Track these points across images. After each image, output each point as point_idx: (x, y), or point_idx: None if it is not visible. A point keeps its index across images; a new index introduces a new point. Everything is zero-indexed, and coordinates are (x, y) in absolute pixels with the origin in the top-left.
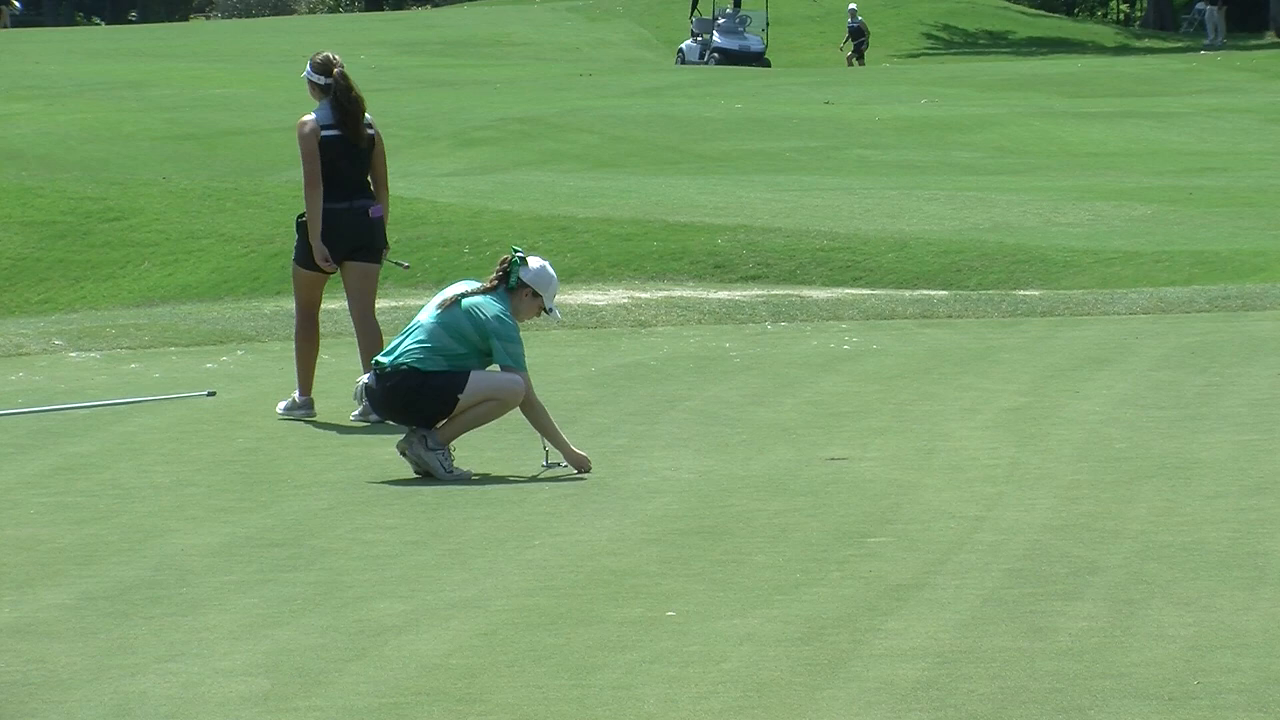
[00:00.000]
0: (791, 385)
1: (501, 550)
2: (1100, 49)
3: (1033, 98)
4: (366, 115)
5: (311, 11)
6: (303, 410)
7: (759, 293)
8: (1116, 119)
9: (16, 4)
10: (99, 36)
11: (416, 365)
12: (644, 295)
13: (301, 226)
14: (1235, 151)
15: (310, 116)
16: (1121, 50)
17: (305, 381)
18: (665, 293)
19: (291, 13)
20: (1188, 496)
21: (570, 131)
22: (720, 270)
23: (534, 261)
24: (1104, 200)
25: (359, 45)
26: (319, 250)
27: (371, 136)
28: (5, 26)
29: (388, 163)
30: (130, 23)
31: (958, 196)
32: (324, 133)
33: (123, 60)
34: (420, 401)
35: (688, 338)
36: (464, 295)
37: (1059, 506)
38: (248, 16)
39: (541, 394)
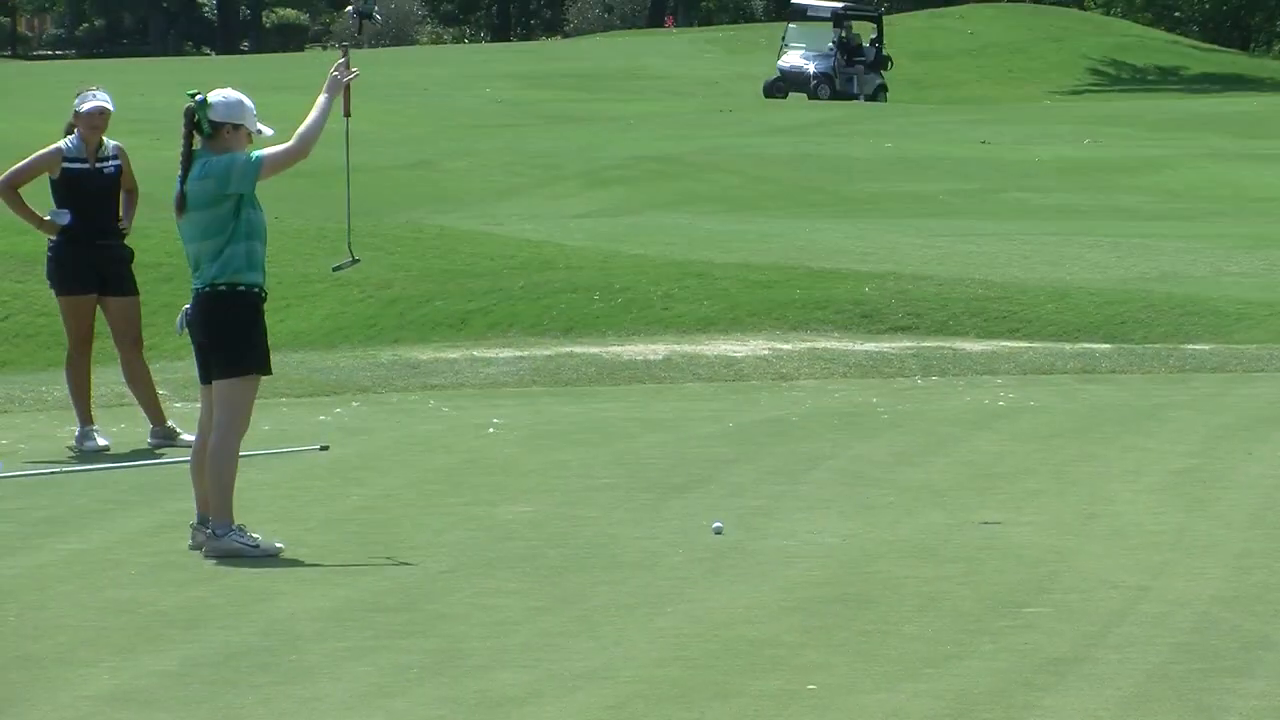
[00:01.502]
0: (943, 444)
1: (631, 618)
2: (1278, 86)
3: (1205, 138)
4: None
5: (434, 42)
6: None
7: (908, 344)
8: None
9: None
10: (209, 68)
11: (216, 281)
12: (785, 346)
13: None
14: None
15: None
16: None
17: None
18: (808, 344)
19: (413, 43)
20: None
21: (708, 171)
22: (867, 320)
23: (215, 96)
24: None
25: (484, 78)
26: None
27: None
28: None
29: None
30: (242, 53)
31: (1122, 243)
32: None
33: None
34: (222, 324)
35: (832, 392)
36: (183, 194)
37: (1230, 576)
38: (366, 47)
39: (676, 451)
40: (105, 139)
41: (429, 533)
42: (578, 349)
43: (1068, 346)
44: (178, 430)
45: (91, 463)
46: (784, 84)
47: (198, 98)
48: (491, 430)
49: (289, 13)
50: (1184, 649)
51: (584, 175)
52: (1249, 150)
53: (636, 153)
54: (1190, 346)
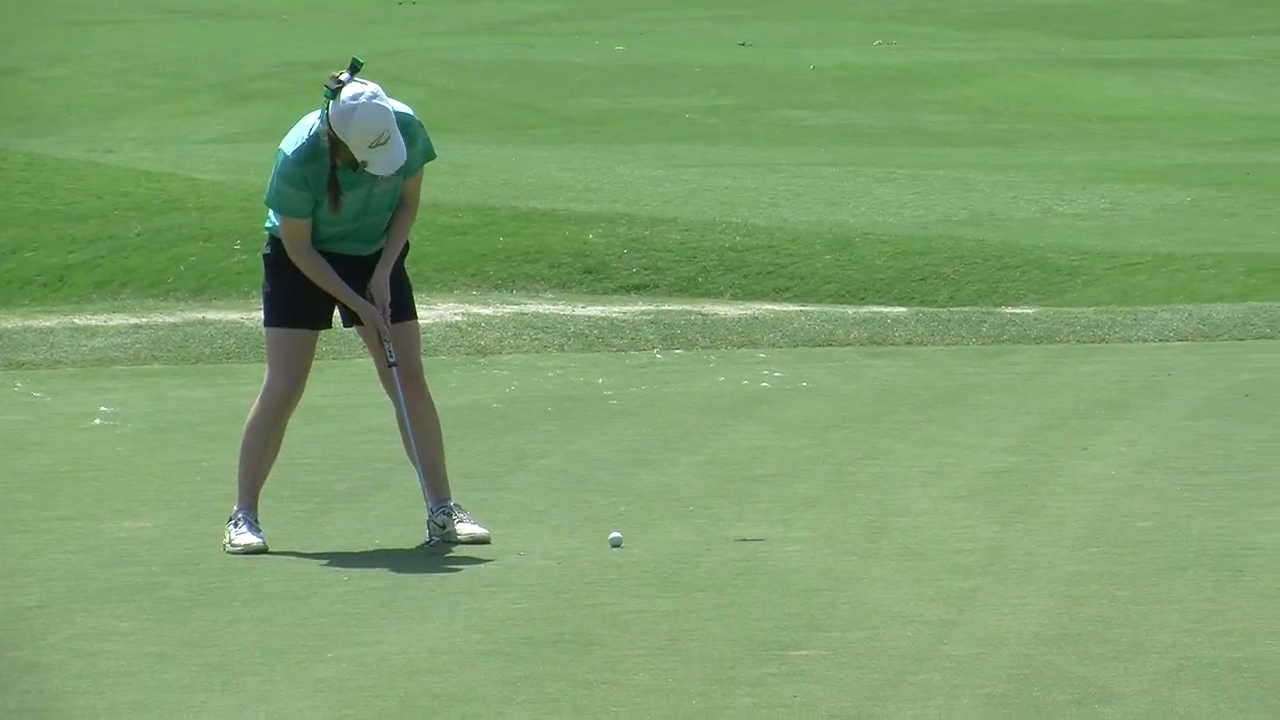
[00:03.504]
0: (688, 437)
1: (280, 665)
2: None
3: (1030, 37)
4: None
5: None
6: None
7: (645, 308)
8: (1146, 69)
9: None
10: None
11: None
12: (484, 311)
13: None
14: None
15: None
16: None
17: None
18: (514, 308)
19: None
20: (1238, 596)
21: (384, 81)
22: (591, 277)
23: (350, 90)
24: (1126, 183)
25: None
26: None
27: None
28: None
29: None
30: None
31: (922, 176)
32: None
33: None
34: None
35: (545, 370)
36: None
37: (1058, 609)
38: None
39: (338, 447)
40: None
41: (14, 557)
42: (212, 314)
43: (851, 311)
44: None
45: None
46: None
47: (344, 77)
48: (99, 422)
49: None
50: (998, 702)
51: (221, 87)
52: (1087, 54)
53: (289, 58)
54: (1009, 310)
